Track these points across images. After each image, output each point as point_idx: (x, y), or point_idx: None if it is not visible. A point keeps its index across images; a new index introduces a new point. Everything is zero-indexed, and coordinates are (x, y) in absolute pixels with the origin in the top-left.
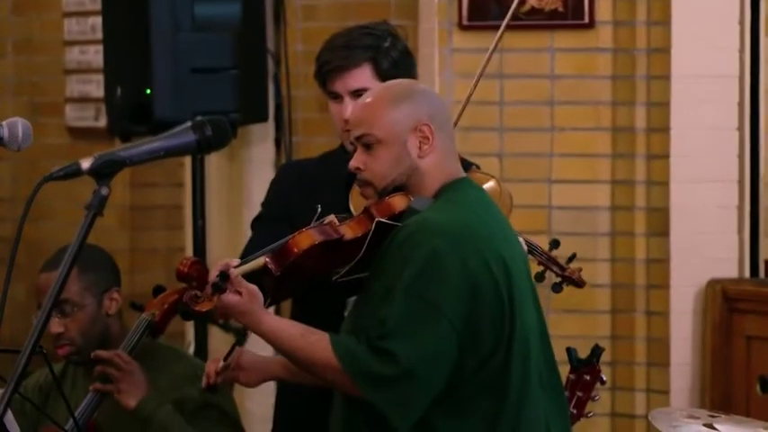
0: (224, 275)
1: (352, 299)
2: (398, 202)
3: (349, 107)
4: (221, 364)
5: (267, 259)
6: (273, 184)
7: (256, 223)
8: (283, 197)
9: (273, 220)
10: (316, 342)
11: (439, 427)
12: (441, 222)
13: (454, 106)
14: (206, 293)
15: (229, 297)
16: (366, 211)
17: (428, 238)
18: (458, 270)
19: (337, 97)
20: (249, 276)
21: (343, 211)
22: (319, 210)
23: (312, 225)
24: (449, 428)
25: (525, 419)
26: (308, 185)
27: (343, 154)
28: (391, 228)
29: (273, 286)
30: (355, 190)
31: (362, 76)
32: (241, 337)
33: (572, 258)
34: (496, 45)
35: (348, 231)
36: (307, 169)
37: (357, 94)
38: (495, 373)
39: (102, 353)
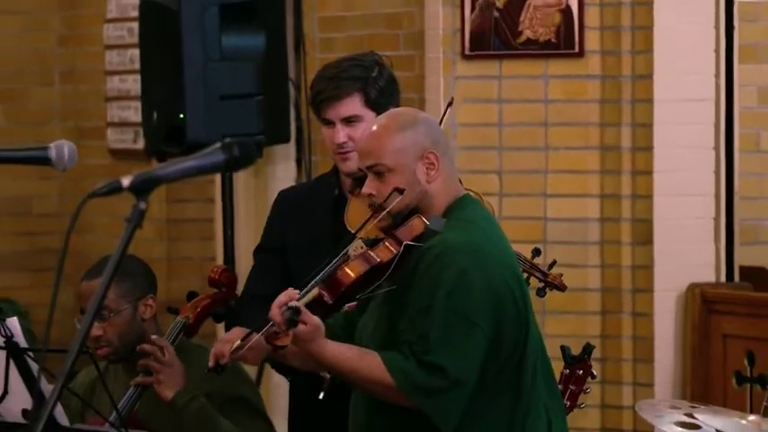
0: (296, 311)
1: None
2: (418, 224)
3: (340, 132)
4: (237, 343)
5: (323, 291)
6: (270, 214)
7: (257, 253)
8: (277, 227)
9: (268, 251)
10: (370, 362)
11: (465, 428)
12: (462, 243)
13: (459, 130)
14: (281, 329)
15: (301, 329)
16: (393, 236)
17: (454, 259)
18: (483, 286)
19: (330, 123)
20: (306, 307)
21: (334, 232)
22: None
23: (352, 254)
24: (473, 428)
25: (534, 413)
26: (301, 211)
27: (333, 176)
28: (414, 248)
29: (325, 313)
30: (350, 208)
31: (353, 104)
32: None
33: (552, 265)
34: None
35: (383, 255)
36: (300, 195)
37: (348, 120)
38: (511, 375)
39: (147, 345)
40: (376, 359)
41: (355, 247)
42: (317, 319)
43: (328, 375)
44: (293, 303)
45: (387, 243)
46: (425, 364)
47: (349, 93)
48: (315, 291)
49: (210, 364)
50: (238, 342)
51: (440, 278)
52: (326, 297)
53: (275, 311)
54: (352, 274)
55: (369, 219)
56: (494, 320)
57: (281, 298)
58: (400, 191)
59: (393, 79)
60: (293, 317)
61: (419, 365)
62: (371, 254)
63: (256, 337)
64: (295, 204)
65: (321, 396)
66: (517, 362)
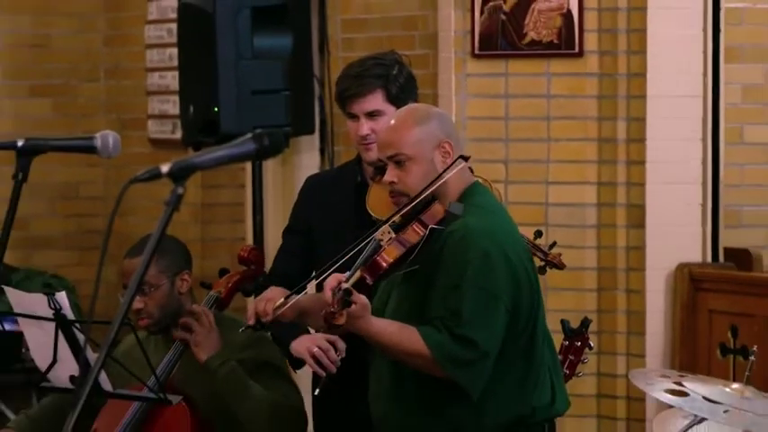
0: (348, 292)
1: None
2: (439, 209)
3: (364, 126)
4: (280, 301)
5: (364, 274)
6: (298, 197)
7: (285, 234)
8: (303, 211)
9: (295, 233)
10: (410, 336)
11: (486, 392)
12: (482, 227)
13: (469, 122)
14: (336, 308)
15: (353, 308)
16: (419, 220)
17: (476, 242)
18: (503, 265)
19: (354, 117)
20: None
21: (357, 216)
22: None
23: (386, 239)
24: (492, 390)
25: (542, 378)
26: (326, 195)
27: (356, 165)
28: (437, 231)
29: (367, 293)
30: (371, 194)
31: (375, 100)
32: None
33: (552, 246)
34: None
35: (412, 239)
36: (325, 181)
37: (371, 114)
38: (526, 343)
39: (193, 307)
40: (414, 333)
41: (383, 232)
42: (364, 298)
43: (325, 374)
44: (345, 285)
45: (414, 227)
46: (458, 337)
47: (372, 89)
48: (358, 273)
49: (251, 321)
50: (281, 300)
51: (465, 259)
52: (368, 279)
53: (328, 294)
54: (390, 258)
55: (402, 208)
56: (513, 295)
57: (331, 282)
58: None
59: (412, 77)
60: (346, 297)
61: (453, 339)
62: (404, 237)
63: (296, 298)
64: (321, 189)
65: (316, 393)
66: (531, 332)
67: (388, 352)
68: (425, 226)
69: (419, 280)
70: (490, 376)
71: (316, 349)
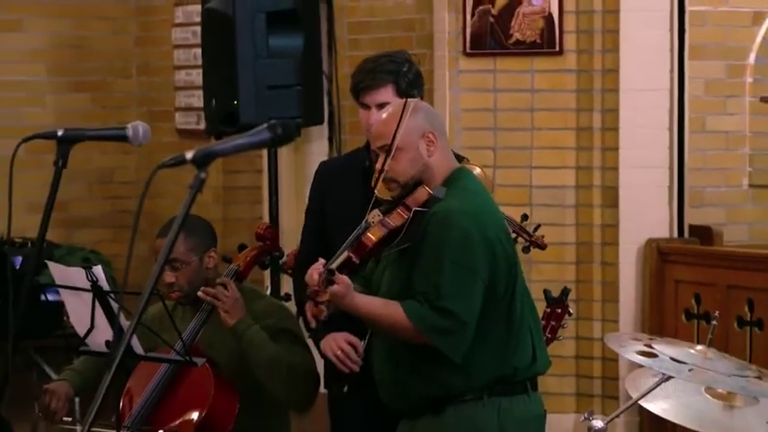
0: (331, 272)
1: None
2: (423, 193)
3: (374, 115)
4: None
5: (350, 254)
6: (313, 180)
7: (307, 214)
8: (317, 192)
9: (314, 212)
10: (393, 310)
11: (471, 352)
12: (462, 209)
13: (461, 114)
14: (320, 288)
15: (335, 288)
16: (403, 204)
17: (457, 222)
18: (482, 243)
19: (366, 107)
20: (338, 268)
21: (365, 198)
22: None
23: (372, 221)
24: (477, 353)
25: (523, 340)
26: (337, 178)
27: (365, 151)
28: (422, 213)
29: (354, 271)
30: (379, 186)
31: (386, 93)
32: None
33: (537, 228)
34: None
35: (396, 221)
36: (335, 166)
37: (381, 105)
38: (505, 311)
39: (220, 279)
40: (397, 307)
41: (373, 215)
42: (346, 278)
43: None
44: (328, 266)
45: (399, 210)
46: (438, 309)
47: (384, 83)
48: (345, 254)
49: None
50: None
51: (446, 238)
52: (354, 258)
53: (314, 276)
54: (374, 239)
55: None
56: (490, 270)
57: (318, 265)
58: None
59: (419, 74)
60: (329, 277)
61: (433, 310)
62: (388, 220)
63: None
64: (332, 173)
65: (345, 389)
66: (509, 301)
67: (376, 325)
68: (409, 209)
69: (408, 258)
70: (474, 341)
71: (339, 352)
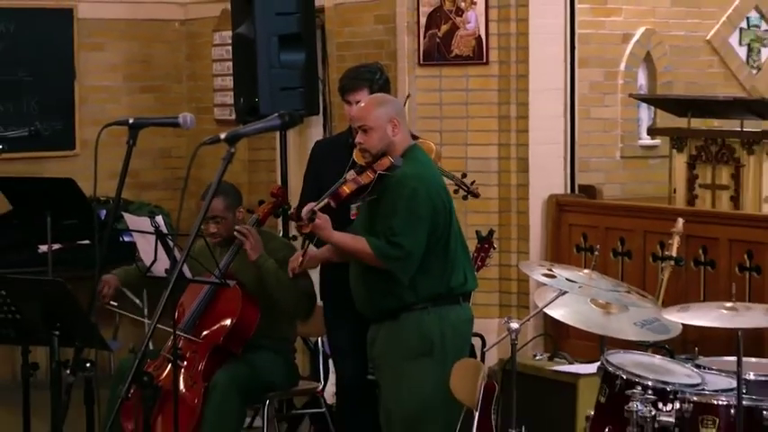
0: (314, 212)
1: (354, 206)
2: (386, 161)
3: (353, 109)
4: (301, 254)
5: (329, 200)
6: (310, 154)
7: (305, 177)
8: (313, 163)
9: (311, 177)
10: (360, 242)
11: (416, 279)
12: (413, 173)
13: (417, 107)
14: (305, 222)
15: (317, 222)
16: (371, 168)
17: (409, 183)
18: (426, 197)
19: (349, 103)
20: (321, 209)
21: (349, 167)
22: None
23: (348, 178)
24: (423, 276)
25: (457, 268)
26: (328, 153)
27: (348, 134)
28: (384, 176)
29: (332, 212)
30: (355, 151)
31: (363, 93)
32: (310, 240)
33: (472, 183)
34: None
35: (365, 179)
36: (326, 143)
37: (358, 102)
38: (443, 246)
39: (239, 228)
40: (363, 240)
41: (350, 174)
42: (326, 217)
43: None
44: (312, 208)
45: (368, 172)
46: (392, 243)
47: (361, 87)
48: (326, 200)
49: (290, 273)
50: (301, 253)
51: (400, 194)
52: (332, 203)
53: (304, 212)
54: (347, 190)
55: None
56: (432, 217)
57: (306, 207)
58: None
59: (387, 79)
60: (312, 216)
61: (388, 243)
62: (359, 178)
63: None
64: (325, 148)
65: (303, 251)
66: (446, 239)
67: (347, 253)
68: (375, 172)
69: (373, 207)
70: (420, 267)
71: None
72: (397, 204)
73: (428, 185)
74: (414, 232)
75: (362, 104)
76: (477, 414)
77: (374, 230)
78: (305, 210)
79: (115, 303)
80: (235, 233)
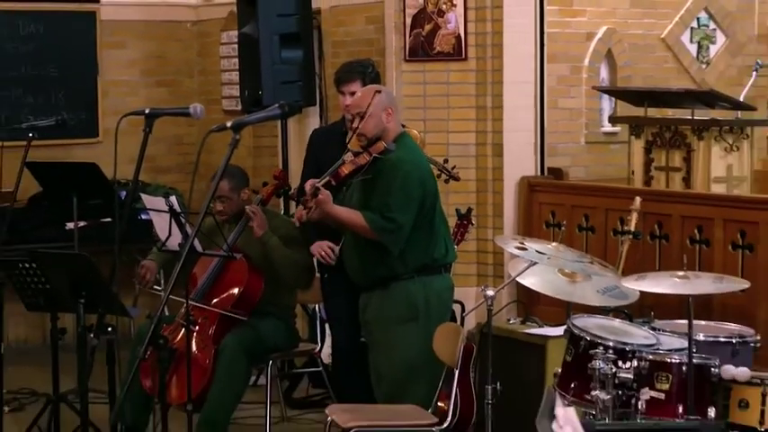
0: (317, 188)
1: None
2: (380, 145)
3: (348, 100)
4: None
5: (330, 179)
6: (309, 141)
7: (305, 161)
8: (312, 147)
9: (309, 160)
10: (357, 215)
11: (404, 251)
12: (405, 158)
13: (404, 98)
14: (309, 196)
15: (319, 197)
16: (367, 150)
17: (401, 166)
18: (416, 180)
19: (343, 94)
20: (322, 185)
21: (343, 152)
22: (345, 154)
23: (346, 159)
24: (410, 249)
25: (439, 241)
26: (325, 139)
27: (341, 123)
28: (378, 159)
29: (332, 189)
30: (349, 137)
31: (356, 85)
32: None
33: (453, 167)
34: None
35: (361, 161)
36: (323, 131)
37: (352, 93)
38: (428, 222)
39: (249, 207)
40: (359, 214)
41: (348, 156)
42: (328, 192)
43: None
44: (315, 185)
45: (364, 155)
46: (385, 217)
47: (354, 79)
48: (327, 178)
49: (297, 224)
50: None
51: (395, 176)
52: (333, 182)
53: (308, 188)
54: (346, 171)
55: (362, 149)
56: (420, 197)
57: (308, 183)
58: (378, 139)
59: (378, 73)
60: (315, 192)
61: (382, 218)
62: (356, 160)
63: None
64: (321, 135)
65: (326, 276)
66: (431, 216)
67: (345, 224)
68: (370, 155)
69: (367, 186)
70: (408, 240)
71: (323, 252)
72: (392, 184)
73: (419, 169)
74: (405, 209)
75: (360, 94)
76: (457, 372)
77: (369, 207)
78: (308, 185)
79: (159, 288)
80: (246, 212)
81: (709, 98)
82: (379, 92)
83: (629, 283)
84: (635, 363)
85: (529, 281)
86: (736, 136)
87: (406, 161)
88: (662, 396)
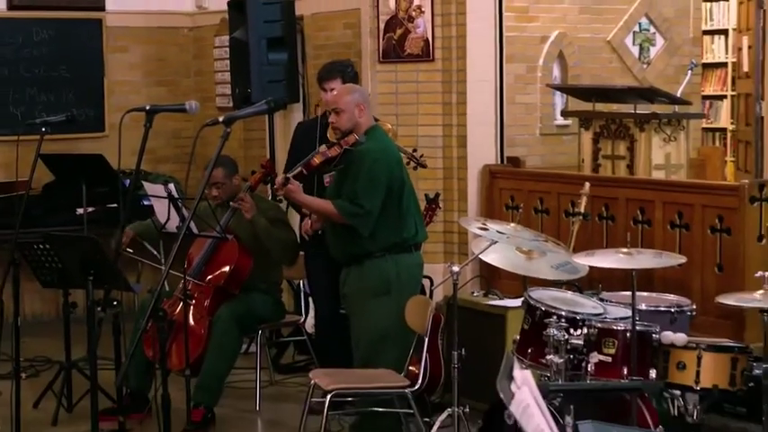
0: (287, 179)
1: (327, 175)
2: (352, 138)
3: (329, 96)
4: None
5: (302, 168)
6: (293, 133)
7: (289, 152)
8: (296, 139)
9: (293, 152)
10: (326, 204)
11: (375, 231)
12: (374, 148)
13: (378, 96)
14: (279, 186)
15: (289, 186)
16: (339, 143)
17: (370, 156)
18: (384, 167)
19: (324, 90)
20: (295, 176)
21: (323, 143)
22: (319, 145)
23: (319, 151)
24: (381, 229)
25: (409, 223)
26: (307, 132)
27: (323, 117)
28: (350, 151)
29: (303, 179)
30: (329, 130)
31: (336, 83)
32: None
33: (421, 156)
34: None
35: (333, 152)
36: (307, 125)
37: (332, 90)
38: (397, 205)
39: (240, 194)
40: (329, 203)
41: (322, 148)
42: (297, 183)
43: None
44: (286, 175)
45: (336, 147)
46: (354, 203)
47: (335, 77)
48: (299, 169)
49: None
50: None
51: (363, 164)
52: (304, 171)
53: (278, 179)
54: (317, 161)
55: (336, 139)
56: (387, 183)
57: (281, 175)
58: (350, 132)
59: (356, 73)
60: (286, 182)
61: (351, 203)
62: (327, 152)
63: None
64: (305, 128)
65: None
66: (398, 200)
67: (317, 213)
68: (341, 146)
69: (342, 175)
70: (378, 222)
71: (306, 228)
72: (360, 173)
73: (386, 158)
74: (372, 195)
75: (336, 92)
76: (427, 339)
77: (341, 194)
78: (279, 177)
79: (131, 250)
80: (234, 200)
81: (649, 94)
82: (353, 90)
83: (580, 259)
84: (585, 330)
85: (490, 257)
86: (673, 128)
87: (374, 150)
88: (609, 359)
